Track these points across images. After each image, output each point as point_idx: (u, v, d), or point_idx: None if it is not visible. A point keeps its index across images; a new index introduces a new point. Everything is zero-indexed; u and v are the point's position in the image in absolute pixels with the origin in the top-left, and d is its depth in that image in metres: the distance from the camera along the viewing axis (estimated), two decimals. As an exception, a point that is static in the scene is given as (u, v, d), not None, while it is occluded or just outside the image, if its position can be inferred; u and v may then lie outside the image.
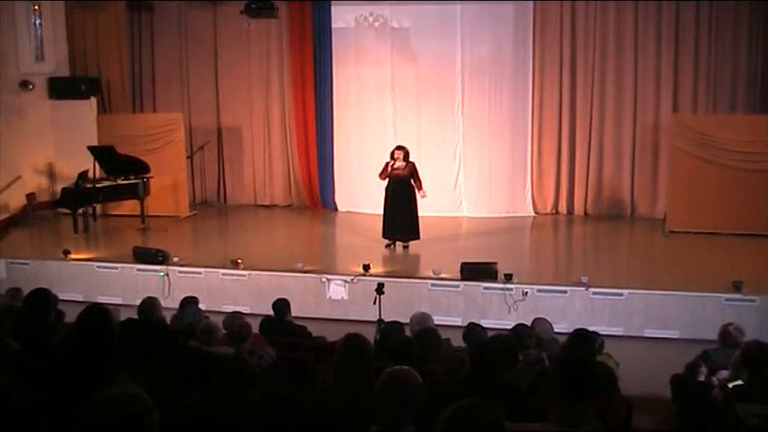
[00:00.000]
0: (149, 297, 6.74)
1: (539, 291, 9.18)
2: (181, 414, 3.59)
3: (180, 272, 10.16)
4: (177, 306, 7.53)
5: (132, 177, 12.58)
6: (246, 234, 12.99)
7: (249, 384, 4.49)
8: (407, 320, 6.51)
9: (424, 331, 5.86)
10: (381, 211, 11.02)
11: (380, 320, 7.67)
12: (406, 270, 10.10)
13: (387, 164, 10.72)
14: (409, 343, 5.32)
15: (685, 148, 11.76)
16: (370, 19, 13.84)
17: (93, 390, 2.49)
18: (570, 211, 13.50)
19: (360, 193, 13.69)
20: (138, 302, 6.70)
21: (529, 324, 6.60)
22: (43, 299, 5.26)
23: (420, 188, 10.70)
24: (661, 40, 12.72)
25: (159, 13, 14.63)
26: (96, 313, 3.78)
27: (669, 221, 11.97)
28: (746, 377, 4.74)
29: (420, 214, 10.96)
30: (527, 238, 12.87)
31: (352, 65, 14.01)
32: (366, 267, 9.66)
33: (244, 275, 10.01)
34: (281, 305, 7.32)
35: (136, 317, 6.43)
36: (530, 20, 13.20)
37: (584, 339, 5.79)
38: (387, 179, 10.76)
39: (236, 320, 6.14)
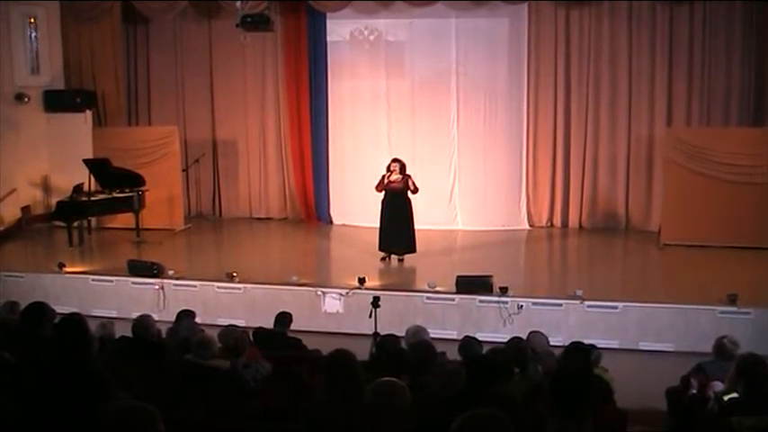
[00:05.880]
0: (143, 315, 6.69)
1: (534, 304, 9.17)
2: (178, 428, 3.58)
3: (175, 285, 10.13)
4: (172, 319, 7.51)
5: (127, 190, 12.56)
6: (242, 247, 12.95)
7: (245, 397, 4.49)
8: (403, 334, 6.49)
9: (420, 344, 5.85)
10: (376, 224, 11.06)
11: (376, 334, 7.65)
12: (402, 283, 10.10)
13: (383, 176, 10.75)
14: (405, 356, 5.32)
15: (679, 162, 11.80)
16: (366, 33, 13.89)
17: (91, 404, 2.49)
18: (565, 224, 13.52)
19: (355, 206, 13.68)
20: (133, 315, 6.67)
21: (524, 337, 6.61)
22: (40, 312, 5.24)
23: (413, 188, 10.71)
24: (655, 53, 12.78)
25: (155, 27, 14.64)
26: (72, 321, 3.77)
27: (663, 234, 11.98)
28: (741, 390, 4.75)
29: (416, 227, 10.98)
30: (522, 251, 12.86)
31: (347, 78, 14.04)
32: (361, 280, 9.65)
33: (239, 289, 9.99)
34: (283, 318, 7.34)
35: (130, 331, 6.40)
36: (524, 34, 13.24)
37: (579, 352, 5.79)
38: (383, 192, 10.79)
39: (231, 334, 6.13)
